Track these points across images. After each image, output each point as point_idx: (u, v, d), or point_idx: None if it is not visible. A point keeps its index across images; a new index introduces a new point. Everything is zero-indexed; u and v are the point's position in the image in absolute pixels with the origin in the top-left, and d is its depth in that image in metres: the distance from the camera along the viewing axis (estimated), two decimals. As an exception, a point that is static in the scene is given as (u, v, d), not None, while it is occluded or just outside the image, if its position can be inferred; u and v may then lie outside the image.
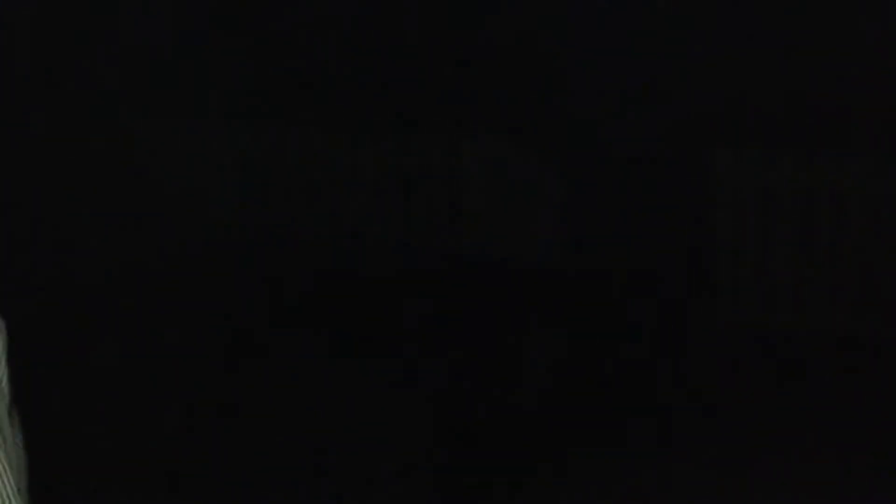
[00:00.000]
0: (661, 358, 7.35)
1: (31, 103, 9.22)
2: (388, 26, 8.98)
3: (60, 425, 6.60)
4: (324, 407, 6.82)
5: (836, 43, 7.87)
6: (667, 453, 6.28)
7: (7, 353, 1.58)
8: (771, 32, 7.97)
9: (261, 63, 9.17)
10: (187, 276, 8.87)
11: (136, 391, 7.04)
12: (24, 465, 1.56)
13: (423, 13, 8.90)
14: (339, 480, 6.04)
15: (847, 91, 7.84)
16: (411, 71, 8.87)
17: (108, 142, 9.33)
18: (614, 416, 6.74)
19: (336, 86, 9.08)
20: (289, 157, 8.97)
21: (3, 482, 1.41)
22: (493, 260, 8.36)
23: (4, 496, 1.41)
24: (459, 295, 8.23)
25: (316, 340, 7.75)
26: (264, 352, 7.58)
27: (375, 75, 8.97)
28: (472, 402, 6.91)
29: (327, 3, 9.15)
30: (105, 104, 9.29)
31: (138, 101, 9.34)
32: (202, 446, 6.39)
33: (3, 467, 1.42)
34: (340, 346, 7.66)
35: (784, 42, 7.96)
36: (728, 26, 8.10)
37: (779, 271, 7.59)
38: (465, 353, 7.52)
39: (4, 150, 9.01)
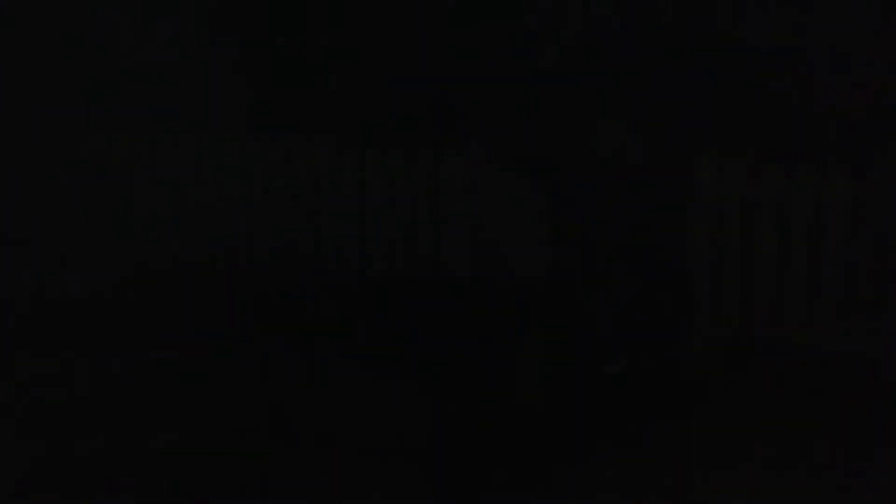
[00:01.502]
0: (643, 369, 7.37)
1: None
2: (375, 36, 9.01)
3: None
4: (307, 411, 6.85)
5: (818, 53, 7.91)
6: (648, 463, 6.30)
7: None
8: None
9: (243, 76, 9.21)
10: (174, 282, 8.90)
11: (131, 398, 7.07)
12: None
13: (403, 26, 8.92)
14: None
15: (826, 100, 7.88)
16: (394, 82, 8.90)
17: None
18: (594, 427, 6.75)
19: (320, 97, 9.10)
20: (273, 168, 8.98)
21: None
22: (473, 272, 8.37)
23: None
24: (440, 305, 8.25)
25: (301, 347, 7.77)
26: (256, 357, 7.62)
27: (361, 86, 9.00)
28: (452, 412, 6.92)
29: (312, 16, 9.17)
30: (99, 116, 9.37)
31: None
32: (200, 448, 6.42)
33: None
34: (320, 354, 7.69)
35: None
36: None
37: (760, 283, 7.61)
38: (446, 362, 7.55)
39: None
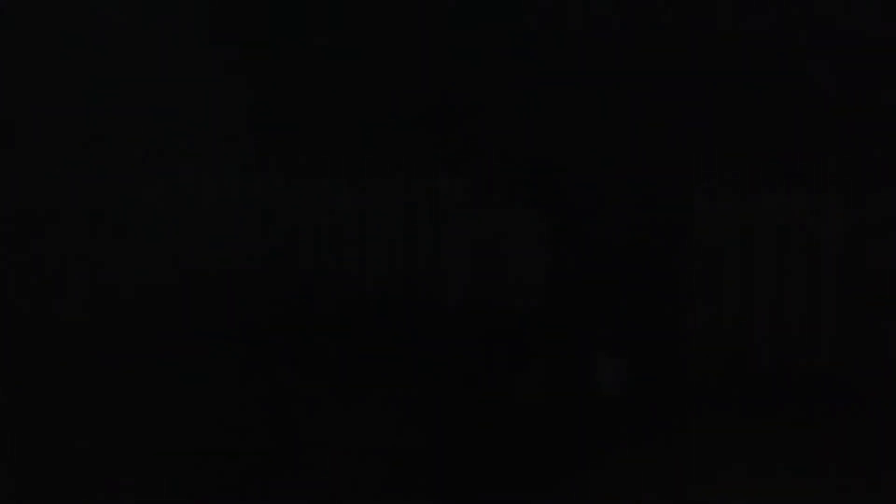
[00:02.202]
0: (642, 393, 7.41)
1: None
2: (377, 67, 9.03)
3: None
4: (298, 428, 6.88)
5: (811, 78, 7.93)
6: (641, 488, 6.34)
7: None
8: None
9: (244, 108, 9.24)
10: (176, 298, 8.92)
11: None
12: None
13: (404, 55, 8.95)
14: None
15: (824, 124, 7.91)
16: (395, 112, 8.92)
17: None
18: (593, 454, 6.78)
19: (320, 128, 9.12)
20: (272, 199, 8.99)
21: None
22: (472, 302, 8.39)
23: None
24: (438, 333, 8.28)
25: (303, 369, 7.81)
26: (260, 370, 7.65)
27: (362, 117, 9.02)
28: (447, 442, 6.95)
29: (310, 46, 9.20)
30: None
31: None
32: (200, 449, 6.45)
33: None
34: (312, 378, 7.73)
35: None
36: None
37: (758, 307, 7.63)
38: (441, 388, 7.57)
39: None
